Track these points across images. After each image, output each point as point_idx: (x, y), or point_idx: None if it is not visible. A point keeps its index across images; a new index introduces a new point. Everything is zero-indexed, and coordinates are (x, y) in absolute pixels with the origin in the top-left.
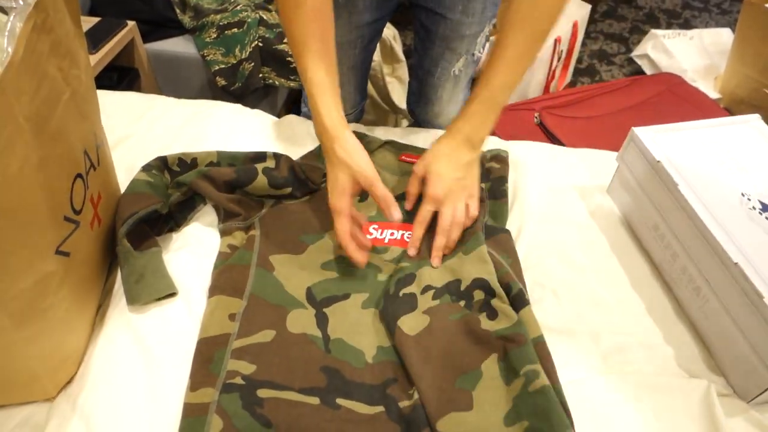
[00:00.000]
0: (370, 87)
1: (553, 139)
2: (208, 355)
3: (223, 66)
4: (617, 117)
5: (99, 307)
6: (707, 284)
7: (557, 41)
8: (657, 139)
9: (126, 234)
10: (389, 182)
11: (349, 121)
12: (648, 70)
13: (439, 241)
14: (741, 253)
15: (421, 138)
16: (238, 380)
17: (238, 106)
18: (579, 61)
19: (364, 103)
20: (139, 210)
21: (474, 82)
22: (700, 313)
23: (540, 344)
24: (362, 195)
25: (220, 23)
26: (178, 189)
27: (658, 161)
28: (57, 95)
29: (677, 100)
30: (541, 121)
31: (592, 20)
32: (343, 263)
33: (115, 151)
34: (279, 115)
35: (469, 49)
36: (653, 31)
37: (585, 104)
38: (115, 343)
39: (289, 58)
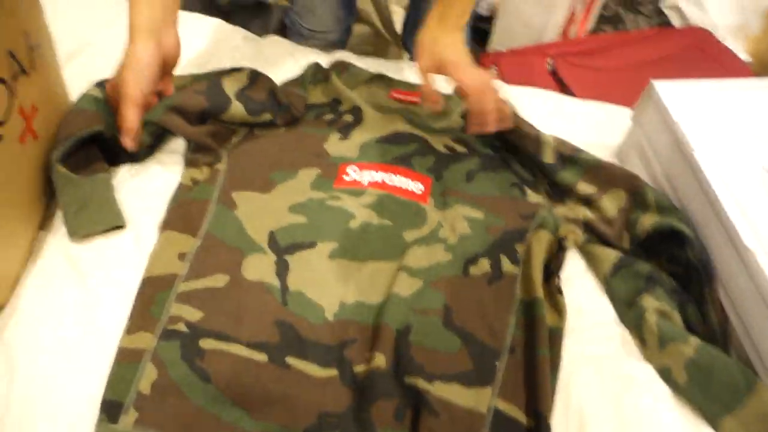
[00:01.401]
0: (372, 14)
1: (565, 89)
2: (151, 295)
3: None
4: (637, 70)
5: (36, 232)
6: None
7: None
8: (678, 95)
9: (65, 157)
10: (375, 121)
11: (331, 41)
12: (677, 23)
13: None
14: (757, 238)
15: (415, 74)
16: (181, 327)
17: (218, 21)
18: (604, 6)
19: (351, 22)
20: (79, 131)
21: None
22: None
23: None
24: (343, 132)
25: None
26: (145, 129)
27: (676, 121)
28: None
29: (704, 58)
30: (554, 69)
31: None
32: (313, 207)
33: (72, 60)
34: None
35: None
36: None
37: (604, 54)
38: (50, 274)
39: None
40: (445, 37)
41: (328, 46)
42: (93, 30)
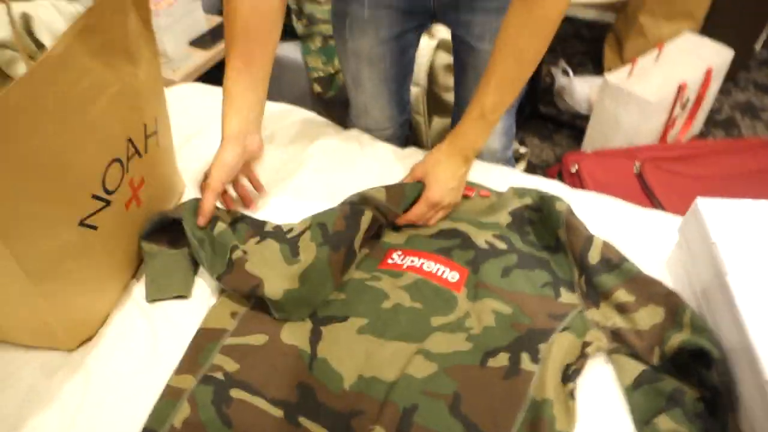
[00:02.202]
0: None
1: (650, 195)
2: (201, 344)
3: (321, 74)
4: (733, 181)
5: (131, 279)
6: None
7: (682, 87)
8: (722, 215)
9: (155, 232)
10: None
11: (387, 138)
12: None
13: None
14: None
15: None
16: (219, 375)
17: (311, 114)
18: (717, 111)
19: (405, 119)
20: (165, 215)
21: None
22: None
23: None
24: (395, 226)
25: (327, 33)
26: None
27: (713, 242)
28: (100, 88)
29: None
30: (640, 173)
31: (744, 67)
32: (354, 285)
33: (188, 143)
34: None
35: None
36: None
37: (700, 161)
38: (131, 319)
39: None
40: (447, 164)
41: (387, 140)
42: (208, 117)
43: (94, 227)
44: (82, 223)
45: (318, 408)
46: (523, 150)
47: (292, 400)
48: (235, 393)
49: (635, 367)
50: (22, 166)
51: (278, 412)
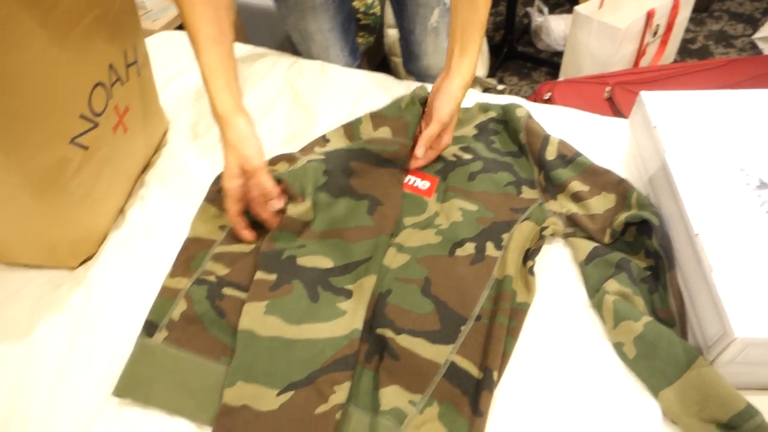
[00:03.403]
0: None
1: (619, 116)
2: (193, 253)
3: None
4: None
5: (124, 202)
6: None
7: (650, 14)
8: (662, 104)
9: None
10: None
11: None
12: None
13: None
14: (706, 226)
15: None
16: (212, 278)
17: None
18: (691, 41)
19: (358, 64)
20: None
21: None
22: None
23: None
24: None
25: None
26: None
27: (654, 126)
28: (79, 12)
29: None
30: (611, 96)
31: None
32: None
33: (169, 84)
34: None
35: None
36: None
37: (667, 83)
38: (126, 238)
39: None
40: (452, 96)
41: None
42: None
43: (85, 147)
44: (73, 141)
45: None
46: (500, 87)
47: None
48: (227, 290)
49: (588, 245)
50: (12, 82)
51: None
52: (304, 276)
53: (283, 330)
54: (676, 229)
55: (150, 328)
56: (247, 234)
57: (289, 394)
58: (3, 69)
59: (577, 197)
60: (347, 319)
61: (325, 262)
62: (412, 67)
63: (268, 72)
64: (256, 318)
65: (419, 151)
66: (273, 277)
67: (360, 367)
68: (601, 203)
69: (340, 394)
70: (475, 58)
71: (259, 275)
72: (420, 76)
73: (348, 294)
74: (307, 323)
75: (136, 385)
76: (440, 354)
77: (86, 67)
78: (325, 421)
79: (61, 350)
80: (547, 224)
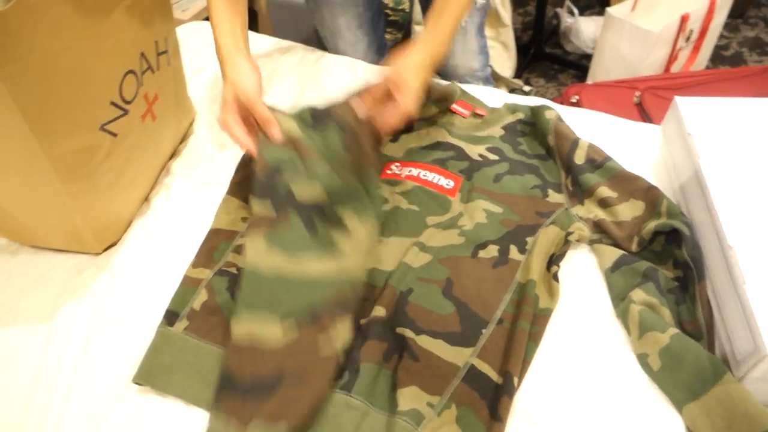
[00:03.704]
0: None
1: (648, 122)
2: (215, 244)
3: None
4: None
5: (149, 190)
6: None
7: (684, 18)
8: (697, 110)
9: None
10: (422, 130)
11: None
12: None
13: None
14: (741, 239)
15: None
16: (233, 270)
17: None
18: (724, 48)
19: (383, 61)
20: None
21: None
22: None
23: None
24: (394, 136)
25: None
26: None
27: (689, 133)
28: (112, 1)
29: None
30: (640, 102)
31: (756, 4)
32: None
33: (197, 75)
34: None
35: None
36: None
37: (699, 89)
38: (150, 226)
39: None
40: (412, 67)
41: None
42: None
43: (114, 134)
44: (102, 128)
45: None
46: (527, 89)
47: None
48: None
49: (615, 253)
50: (47, 67)
51: None
52: (299, 205)
53: (285, 266)
54: (708, 239)
55: (171, 317)
56: (246, 140)
57: (294, 330)
58: (38, 53)
59: (604, 203)
60: (348, 260)
61: (317, 191)
62: (441, 67)
63: (294, 66)
64: (258, 254)
65: (363, 104)
66: (268, 202)
67: (378, 366)
68: (629, 210)
69: (342, 331)
70: (446, 39)
71: (257, 207)
72: (446, 75)
73: (344, 229)
74: (307, 258)
75: (155, 373)
76: (460, 356)
77: (118, 54)
78: (326, 363)
79: (83, 334)
80: (573, 229)
